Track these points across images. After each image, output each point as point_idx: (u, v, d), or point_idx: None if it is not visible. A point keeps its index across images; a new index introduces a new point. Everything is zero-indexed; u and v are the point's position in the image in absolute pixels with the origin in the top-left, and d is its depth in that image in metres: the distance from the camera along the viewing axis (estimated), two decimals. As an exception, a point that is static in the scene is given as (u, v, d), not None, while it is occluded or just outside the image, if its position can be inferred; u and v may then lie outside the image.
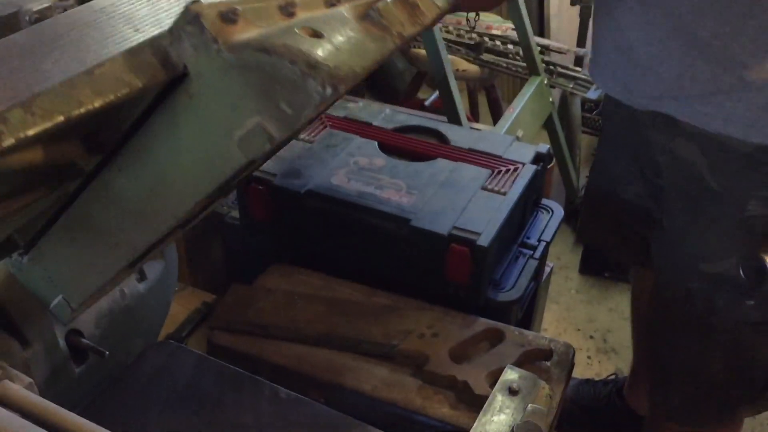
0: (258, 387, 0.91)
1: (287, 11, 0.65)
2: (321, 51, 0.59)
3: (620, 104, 1.16)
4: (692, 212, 1.07)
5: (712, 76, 0.95)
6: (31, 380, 0.80)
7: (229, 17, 0.60)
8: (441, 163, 1.32)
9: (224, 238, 1.43)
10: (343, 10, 0.70)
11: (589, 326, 2.09)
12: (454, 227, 1.17)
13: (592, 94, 2.26)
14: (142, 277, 1.00)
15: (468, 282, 1.18)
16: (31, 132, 0.54)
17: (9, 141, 0.53)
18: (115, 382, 0.91)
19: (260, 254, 1.32)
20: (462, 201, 1.23)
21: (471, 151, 1.36)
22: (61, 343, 0.89)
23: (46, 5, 1.17)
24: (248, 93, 0.58)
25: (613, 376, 1.80)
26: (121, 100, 0.59)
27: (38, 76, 0.58)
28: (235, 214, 1.38)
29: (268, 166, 1.30)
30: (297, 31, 0.60)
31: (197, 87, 0.60)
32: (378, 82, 3.07)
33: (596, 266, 2.27)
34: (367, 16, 0.70)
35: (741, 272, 0.99)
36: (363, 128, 1.41)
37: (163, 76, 0.60)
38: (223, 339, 1.11)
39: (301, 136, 1.39)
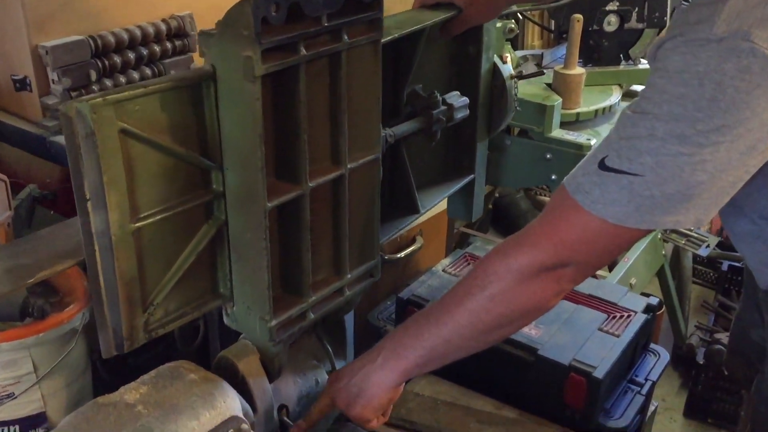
0: (415, 467, 1.18)
1: None
2: None
3: None
4: None
5: None
6: (260, 438, 1.11)
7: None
8: (564, 304, 1.59)
9: (378, 348, 1.73)
10: None
11: (690, 468, 2.22)
12: (574, 359, 1.42)
13: (704, 251, 2.47)
14: (331, 370, 1.31)
15: (583, 407, 1.42)
16: (125, 93, 0.87)
17: (113, 96, 0.87)
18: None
19: (408, 364, 1.61)
20: (581, 338, 1.48)
21: (590, 296, 1.62)
22: (275, 415, 1.20)
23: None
24: (231, 43, 0.91)
25: None
26: (174, 85, 0.93)
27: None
28: (391, 328, 1.68)
29: (422, 292, 1.61)
30: None
31: (219, 68, 0.94)
32: (502, 220, 3.38)
33: (701, 411, 2.40)
34: None
35: None
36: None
37: (201, 73, 0.95)
38: (381, 428, 1.39)
39: (449, 270, 1.70)
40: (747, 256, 1.27)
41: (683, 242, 2.53)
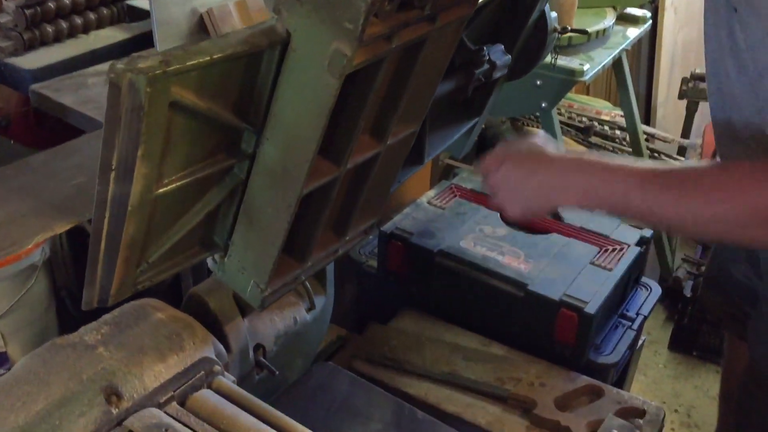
0: (399, 407, 1.12)
1: None
2: None
3: None
4: None
5: None
6: (234, 378, 1.04)
7: None
8: (555, 237, 1.52)
9: (359, 283, 1.66)
10: None
11: (674, 401, 2.21)
12: (565, 294, 1.36)
13: (693, 182, 2.40)
14: (310, 308, 1.23)
15: (573, 343, 1.36)
16: (188, 62, 0.75)
17: (175, 65, 0.74)
18: (288, 392, 1.14)
19: (391, 300, 1.55)
20: (572, 272, 1.42)
21: (582, 229, 1.55)
22: (251, 354, 1.13)
23: None
24: (324, 26, 0.78)
25: (694, 448, 1.92)
26: (245, 52, 0.80)
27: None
28: (372, 263, 1.61)
29: (406, 225, 1.53)
30: None
31: (296, 40, 0.81)
32: (487, 151, 3.29)
33: (686, 344, 2.38)
34: None
35: None
36: (488, 200, 1.63)
37: (273, 38, 0.81)
38: (363, 367, 1.33)
39: (435, 202, 1.62)
40: None
41: (673, 174, 2.46)
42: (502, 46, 1.20)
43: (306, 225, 1.01)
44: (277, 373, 1.16)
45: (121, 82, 0.73)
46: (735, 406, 1.64)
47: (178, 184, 0.87)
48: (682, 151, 2.70)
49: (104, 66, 1.53)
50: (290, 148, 0.88)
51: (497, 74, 1.18)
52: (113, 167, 0.79)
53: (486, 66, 1.16)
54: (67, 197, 1.28)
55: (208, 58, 0.77)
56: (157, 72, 0.73)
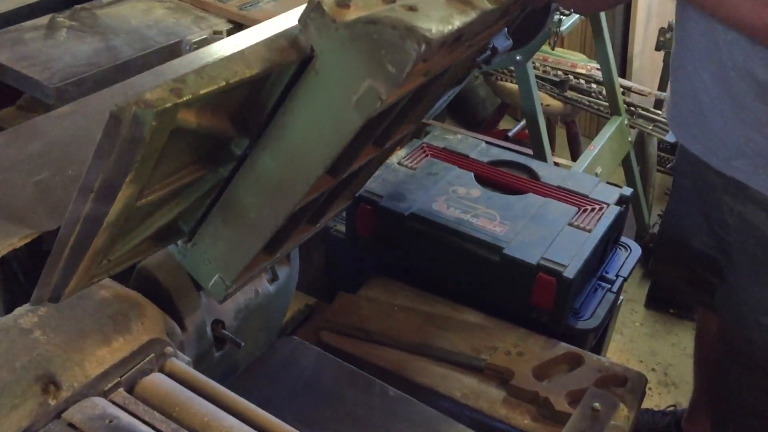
0: (370, 384, 1.05)
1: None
2: (416, 19, 0.70)
3: (693, 163, 1.26)
4: (757, 272, 1.18)
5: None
6: (189, 359, 0.97)
7: (343, 3, 0.73)
8: (532, 197, 1.45)
9: (327, 249, 1.58)
10: None
11: (651, 359, 2.18)
12: (543, 258, 1.29)
13: (671, 137, 2.34)
14: (273, 279, 1.15)
15: (551, 309, 1.30)
16: (202, 91, 0.68)
17: (187, 96, 0.67)
18: (249, 370, 1.07)
19: (361, 266, 1.47)
20: (550, 234, 1.35)
21: (560, 188, 1.48)
22: (209, 331, 1.05)
23: (203, 37, 1.35)
24: (360, 60, 0.71)
25: (672, 408, 1.89)
26: (264, 73, 0.73)
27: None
28: (340, 228, 1.53)
29: (375, 187, 1.45)
30: (396, 7, 0.73)
31: (321, 63, 0.74)
32: (459, 108, 3.20)
33: (662, 302, 2.35)
34: None
35: None
36: (461, 160, 1.55)
37: (294, 56, 0.74)
38: (331, 339, 1.26)
39: (405, 163, 1.54)
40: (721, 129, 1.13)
41: (650, 128, 2.40)
42: (505, 29, 1.13)
43: (285, 226, 0.94)
44: (243, 345, 1.09)
45: (123, 116, 0.65)
46: (708, 376, 1.61)
47: (160, 193, 0.80)
48: (659, 104, 2.63)
49: (43, 20, 1.41)
50: (291, 166, 0.81)
51: (497, 59, 1.12)
52: (94, 190, 0.72)
53: (488, 53, 1.09)
54: (26, 200, 1.12)
55: (224, 83, 0.69)
56: (167, 106, 0.65)
